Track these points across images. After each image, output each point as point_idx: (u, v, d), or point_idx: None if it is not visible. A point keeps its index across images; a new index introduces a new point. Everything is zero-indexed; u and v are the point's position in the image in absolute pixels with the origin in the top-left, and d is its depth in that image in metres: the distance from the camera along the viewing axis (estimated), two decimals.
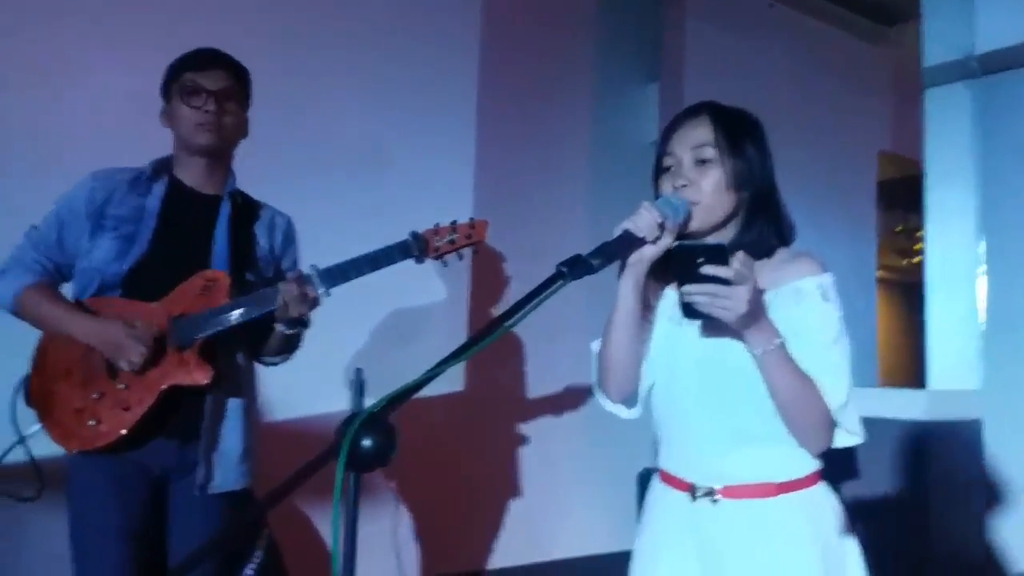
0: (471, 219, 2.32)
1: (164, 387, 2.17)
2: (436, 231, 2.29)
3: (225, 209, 2.32)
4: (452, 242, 2.29)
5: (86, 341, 2.17)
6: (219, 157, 2.34)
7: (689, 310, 1.51)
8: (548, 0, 4.50)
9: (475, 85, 4.15)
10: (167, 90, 2.31)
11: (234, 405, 2.30)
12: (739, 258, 1.47)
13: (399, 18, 3.86)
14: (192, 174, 2.32)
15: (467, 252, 2.33)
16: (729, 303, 1.46)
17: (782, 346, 1.53)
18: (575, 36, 4.59)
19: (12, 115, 2.98)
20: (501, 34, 4.23)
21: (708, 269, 1.45)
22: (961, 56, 3.73)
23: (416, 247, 2.26)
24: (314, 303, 2.20)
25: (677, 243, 1.55)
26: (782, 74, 5.10)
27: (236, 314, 2.19)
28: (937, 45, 3.77)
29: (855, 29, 5.86)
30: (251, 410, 2.38)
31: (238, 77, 2.34)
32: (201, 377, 2.18)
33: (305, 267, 2.23)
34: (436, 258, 2.29)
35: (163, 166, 2.33)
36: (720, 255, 1.46)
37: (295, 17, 3.55)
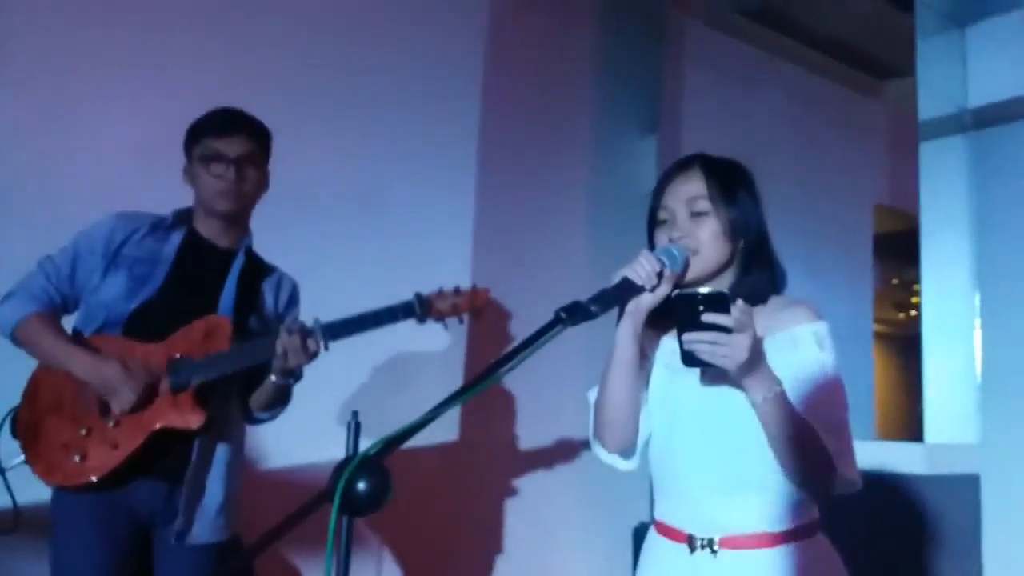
0: (474, 286, 2.37)
1: (155, 428, 2.18)
2: (440, 294, 2.33)
3: (238, 262, 2.36)
4: (455, 306, 2.33)
5: (81, 377, 2.17)
6: (237, 219, 2.39)
7: (689, 358, 1.51)
8: (547, 51, 4.55)
9: (475, 134, 4.19)
10: (188, 151, 2.35)
11: (221, 453, 2.31)
12: (739, 307, 1.47)
13: (401, 66, 3.90)
14: (210, 229, 2.37)
15: (466, 316, 2.38)
16: (730, 351, 1.46)
17: (782, 393, 1.54)
18: (574, 87, 4.64)
19: (27, 162, 3.00)
20: (501, 84, 4.28)
21: (709, 317, 1.46)
22: (955, 110, 3.78)
23: (420, 308, 2.29)
24: (313, 356, 2.21)
25: (677, 291, 1.55)
26: (779, 127, 5.16)
27: (235, 360, 2.21)
28: (932, 99, 3.82)
29: (851, 83, 5.93)
30: (237, 460, 2.38)
31: (258, 139, 2.36)
32: (194, 421, 2.19)
33: (307, 320, 2.25)
34: (437, 320, 2.33)
35: (184, 217, 2.37)
36: (721, 303, 1.46)
37: (299, 63, 3.60)
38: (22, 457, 2.20)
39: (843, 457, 1.58)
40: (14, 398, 2.26)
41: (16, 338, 2.26)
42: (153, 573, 2.26)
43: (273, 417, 2.43)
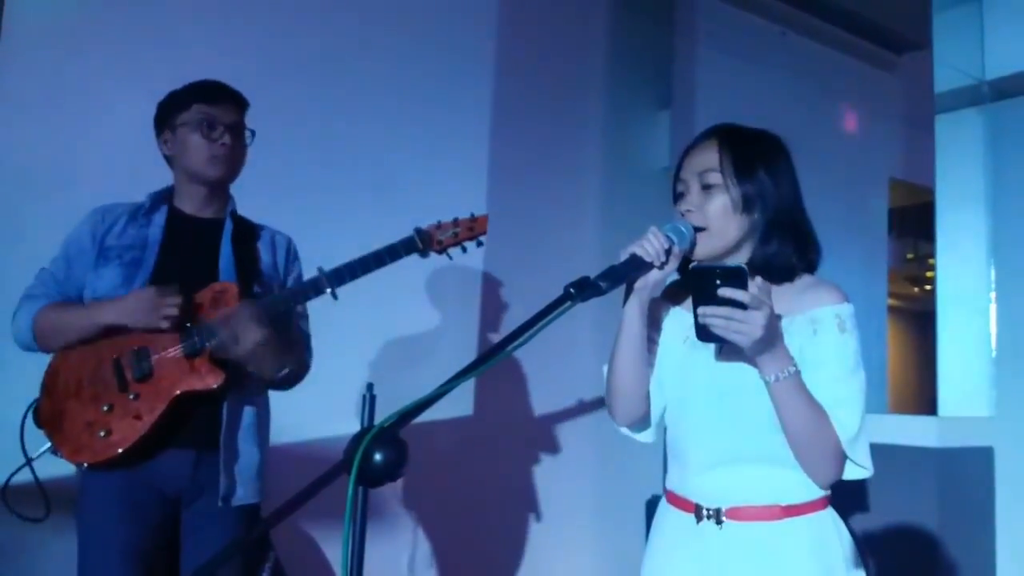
0: (472, 214, 2.38)
1: (175, 394, 2.19)
2: (439, 226, 2.35)
3: (228, 228, 2.37)
4: (455, 235, 2.35)
5: (117, 321, 2.18)
6: (223, 187, 2.40)
7: (704, 333, 1.50)
8: (560, 27, 4.53)
9: (488, 110, 4.18)
10: (171, 119, 2.34)
11: (249, 414, 2.32)
12: (756, 283, 1.46)
13: (413, 43, 3.90)
14: (192, 202, 2.38)
15: (471, 246, 2.39)
16: (745, 327, 1.45)
17: (796, 374, 1.52)
18: (587, 63, 4.63)
19: (40, 143, 3.02)
20: (514, 60, 4.27)
21: (725, 292, 1.45)
22: (972, 82, 3.75)
23: (420, 242, 2.30)
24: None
25: (696, 263, 1.53)
26: (793, 101, 5.12)
27: None
28: (948, 71, 3.79)
29: (866, 57, 5.88)
30: (264, 420, 2.40)
31: (243, 110, 2.39)
32: (212, 381, 2.21)
33: (311, 271, 2.27)
34: (440, 251, 2.34)
35: (161, 197, 2.37)
36: (739, 278, 1.45)
37: (307, 43, 3.59)
38: (47, 445, 2.22)
39: (854, 445, 1.57)
40: (31, 394, 2.28)
41: (38, 336, 2.27)
42: (181, 548, 2.27)
43: (289, 384, 2.41)
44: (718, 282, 1.45)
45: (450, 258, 2.37)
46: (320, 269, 2.25)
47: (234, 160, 2.36)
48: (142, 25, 3.24)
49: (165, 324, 2.18)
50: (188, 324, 2.23)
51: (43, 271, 2.33)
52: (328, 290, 2.25)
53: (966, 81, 3.79)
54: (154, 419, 2.18)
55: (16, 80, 3.01)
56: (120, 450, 2.16)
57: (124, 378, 2.21)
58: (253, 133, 2.40)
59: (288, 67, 3.39)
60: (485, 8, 4.24)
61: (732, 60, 5.01)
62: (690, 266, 1.54)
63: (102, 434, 2.18)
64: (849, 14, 5.51)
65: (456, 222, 2.36)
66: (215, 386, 2.21)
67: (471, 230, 2.36)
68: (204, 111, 2.30)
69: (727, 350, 1.58)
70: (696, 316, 1.50)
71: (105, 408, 2.19)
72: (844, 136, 5.58)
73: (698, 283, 1.49)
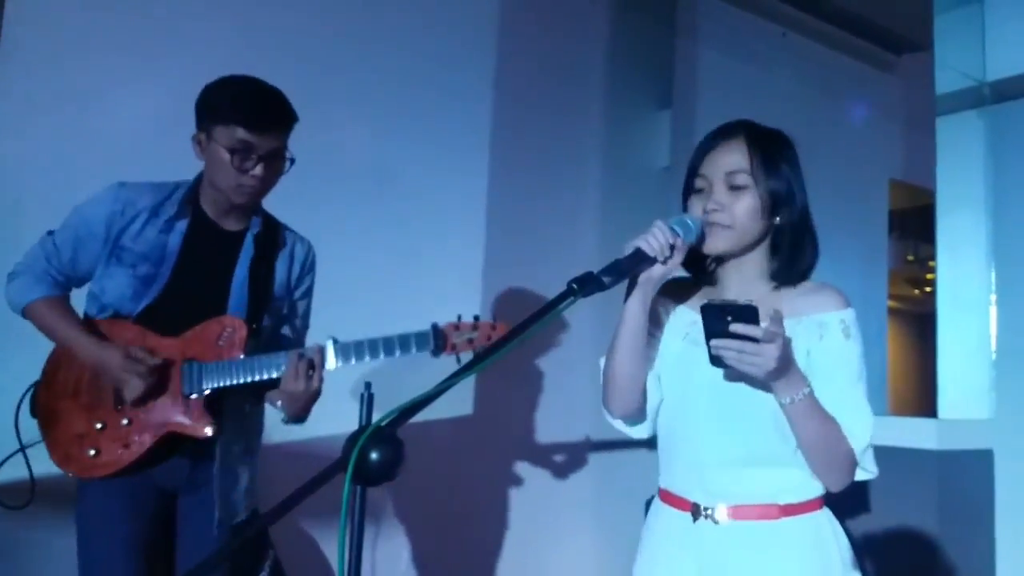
0: (494, 320, 2.30)
1: (165, 431, 2.18)
2: (457, 327, 2.26)
3: (247, 251, 2.29)
4: (471, 340, 2.25)
5: (88, 363, 2.17)
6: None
7: (716, 360, 1.50)
8: (562, 26, 4.52)
9: (489, 109, 4.17)
10: (209, 125, 2.16)
11: (242, 445, 2.32)
12: (770, 317, 1.45)
13: (414, 43, 3.89)
14: (215, 209, 2.28)
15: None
16: (758, 360, 1.45)
17: (810, 395, 1.52)
18: (588, 62, 4.62)
19: (40, 137, 3.00)
20: (515, 60, 4.26)
21: (737, 328, 1.44)
22: (973, 84, 3.74)
23: (434, 340, 2.23)
24: (314, 384, 2.20)
25: (707, 301, 1.52)
26: (794, 101, 5.10)
27: (246, 372, 2.19)
28: (949, 73, 3.78)
29: (867, 58, 5.88)
30: (257, 445, 2.40)
31: (288, 132, 2.23)
32: (202, 429, 2.19)
33: (323, 341, 2.24)
34: (451, 353, 2.25)
35: (189, 202, 2.26)
36: (750, 315, 1.44)
37: (313, 44, 3.59)
38: (41, 440, 2.21)
39: (865, 455, 1.59)
40: (34, 374, 2.27)
41: (28, 318, 2.25)
42: (177, 535, 2.27)
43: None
44: (729, 319, 1.45)
45: (458, 361, 2.22)
46: (332, 338, 2.22)
47: (263, 189, 2.22)
48: (142, 23, 3.22)
49: (127, 399, 2.15)
50: (191, 357, 2.20)
51: (49, 241, 2.25)
52: (332, 366, 2.22)
53: (967, 83, 3.79)
54: (142, 451, 2.17)
55: (16, 80, 3.00)
56: (105, 473, 2.16)
57: (120, 395, 2.18)
58: (292, 161, 2.24)
59: (288, 63, 3.36)
60: (486, 7, 4.23)
61: (733, 61, 5.01)
62: (701, 305, 1.51)
63: (91, 453, 2.16)
64: (850, 15, 5.50)
65: (475, 325, 2.25)
66: (204, 435, 2.19)
67: (488, 339, 2.24)
68: (244, 139, 2.12)
69: (739, 372, 1.56)
70: (709, 348, 1.49)
71: (98, 426, 2.17)
72: (844, 137, 5.57)
73: (709, 319, 1.48)
